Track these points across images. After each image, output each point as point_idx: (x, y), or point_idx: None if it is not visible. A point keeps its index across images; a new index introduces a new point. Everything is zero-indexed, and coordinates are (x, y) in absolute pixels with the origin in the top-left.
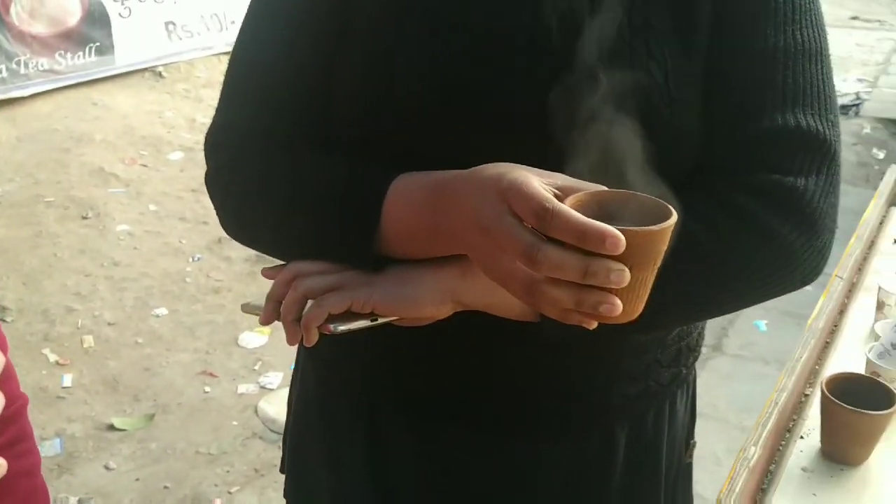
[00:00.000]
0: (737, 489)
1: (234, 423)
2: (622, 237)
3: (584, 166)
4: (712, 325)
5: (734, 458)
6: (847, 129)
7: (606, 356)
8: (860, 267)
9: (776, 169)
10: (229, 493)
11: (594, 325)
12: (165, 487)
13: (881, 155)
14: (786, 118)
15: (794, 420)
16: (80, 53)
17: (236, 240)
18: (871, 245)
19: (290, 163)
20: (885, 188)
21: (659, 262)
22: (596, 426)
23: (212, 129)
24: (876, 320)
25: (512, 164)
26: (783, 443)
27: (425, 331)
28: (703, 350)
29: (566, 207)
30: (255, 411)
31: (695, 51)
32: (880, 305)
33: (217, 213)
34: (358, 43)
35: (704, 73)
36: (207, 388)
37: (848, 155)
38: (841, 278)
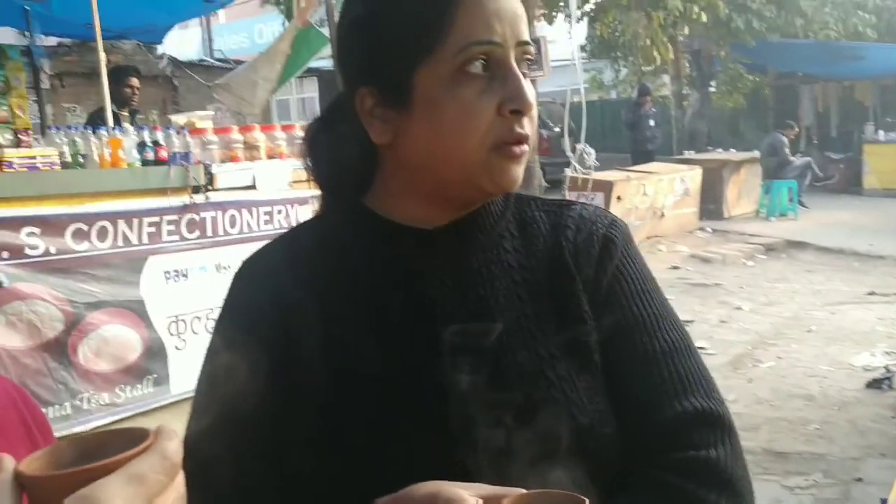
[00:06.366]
0: None
1: None
2: None
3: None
4: None
5: None
6: (883, 403)
7: None
8: None
9: (688, 447)
10: None
11: None
12: None
13: None
14: (683, 405)
15: None
16: (139, 386)
17: None
18: None
19: None
20: None
21: None
22: None
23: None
24: None
25: (440, 482)
26: None
27: None
28: None
29: None
30: None
31: (594, 368)
32: None
33: None
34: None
35: (606, 383)
36: None
37: (888, 428)
38: None
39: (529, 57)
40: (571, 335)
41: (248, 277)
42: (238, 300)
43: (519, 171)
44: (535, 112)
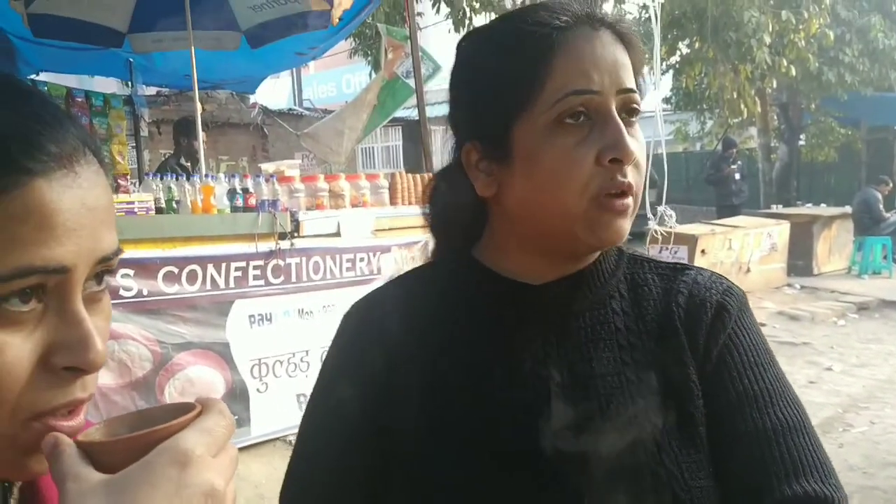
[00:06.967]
0: None
1: None
2: None
3: None
4: None
5: None
6: None
7: None
8: None
9: None
10: None
11: None
12: None
13: None
14: (793, 489)
15: None
16: None
17: None
18: None
19: None
20: None
21: None
22: None
23: None
24: None
25: None
26: None
27: None
28: None
29: None
30: None
31: (699, 442)
32: None
33: None
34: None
35: (711, 458)
36: None
37: None
38: None
39: (635, 105)
40: (676, 405)
41: (357, 320)
42: (345, 341)
43: (624, 224)
44: (641, 160)
